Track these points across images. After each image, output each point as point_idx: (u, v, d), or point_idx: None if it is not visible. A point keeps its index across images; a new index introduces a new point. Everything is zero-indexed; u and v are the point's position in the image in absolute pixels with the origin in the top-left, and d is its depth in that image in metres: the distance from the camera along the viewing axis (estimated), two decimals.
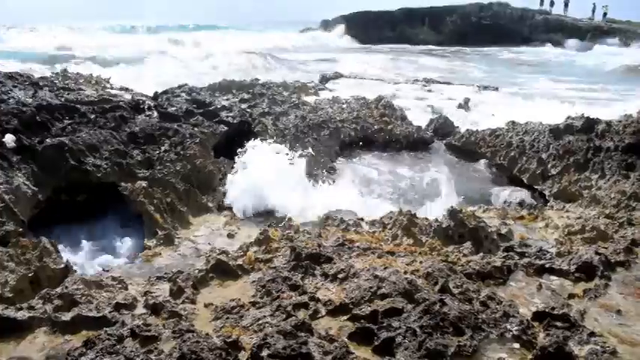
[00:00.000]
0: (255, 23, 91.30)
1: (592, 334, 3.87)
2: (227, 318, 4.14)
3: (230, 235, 6.98)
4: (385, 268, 4.75)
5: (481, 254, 5.70)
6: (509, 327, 3.88)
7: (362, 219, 7.31)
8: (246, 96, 11.62)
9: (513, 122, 11.10)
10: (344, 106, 12.46)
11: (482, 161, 10.81)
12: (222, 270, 5.03)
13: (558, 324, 3.96)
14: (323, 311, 4.22)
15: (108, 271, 5.69)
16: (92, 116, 8.33)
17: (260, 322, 3.98)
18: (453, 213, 6.97)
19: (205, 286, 4.85)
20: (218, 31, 64.00)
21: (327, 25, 60.00)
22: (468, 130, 11.85)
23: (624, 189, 7.62)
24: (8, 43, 42.23)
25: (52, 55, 31.97)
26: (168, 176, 7.77)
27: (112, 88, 10.67)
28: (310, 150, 9.56)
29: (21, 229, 6.01)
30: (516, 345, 3.74)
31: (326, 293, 4.53)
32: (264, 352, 3.44)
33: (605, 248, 5.58)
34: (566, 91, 22.52)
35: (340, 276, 4.74)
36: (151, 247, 6.54)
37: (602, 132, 8.97)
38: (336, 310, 4.21)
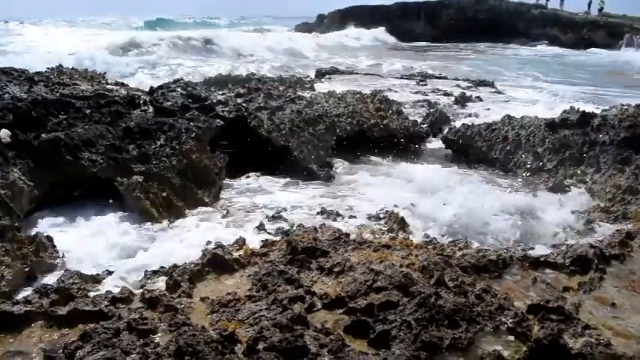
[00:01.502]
0: (250, 18, 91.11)
1: (586, 326, 3.89)
2: (223, 311, 4.14)
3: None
4: (381, 261, 4.77)
5: (476, 247, 5.73)
6: (504, 320, 3.90)
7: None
8: (241, 90, 11.58)
9: (509, 116, 11.12)
10: (340, 100, 12.44)
11: None
12: (219, 264, 5.03)
13: (553, 317, 3.99)
14: (319, 305, 4.23)
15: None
16: (87, 111, 8.30)
17: (256, 315, 3.99)
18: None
19: (201, 279, 4.86)
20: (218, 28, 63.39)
21: (322, 19, 59.90)
22: (463, 124, 11.85)
23: (619, 183, 7.65)
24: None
25: None
26: (164, 171, 7.76)
27: (107, 83, 10.63)
28: None
29: (17, 224, 6.00)
30: (511, 337, 3.76)
31: (322, 287, 4.55)
32: (260, 345, 3.45)
33: (600, 241, 5.61)
34: (563, 88, 22.55)
35: (336, 269, 4.75)
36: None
37: (598, 126, 9.01)
38: (332, 304, 4.22)
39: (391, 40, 51.83)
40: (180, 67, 25.71)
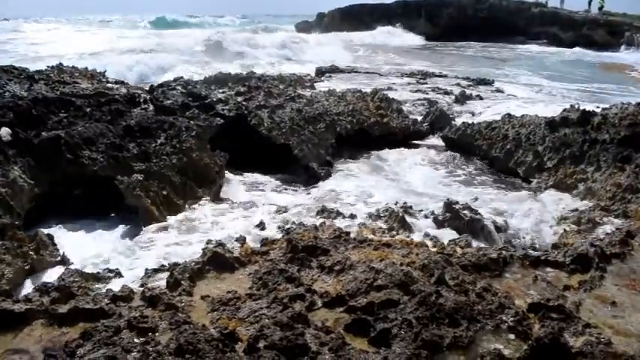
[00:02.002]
0: (253, 17, 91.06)
1: (587, 325, 3.89)
2: (224, 310, 4.14)
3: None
4: (381, 260, 4.77)
5: (477, 246, 5.73)
6: (504, 318, 3.89)
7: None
8: (242, 89, 11.58)
9: (509, 115, 11.13)
10: (340, 99, 12.43)
11: None
12: (219, 262, 5.03)
13: (554, 315, 3.98)
14: (319, 303, 4.23)
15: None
16: (88, 109, 8.31)
17: (256, 313, 3.99)
18: (448, 205, 7.00)
19: (202, 278, 4.85)
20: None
21: (322, 17, 59.81)
22: (464, 122, 11.86)
23: (620, 181, 7.64)
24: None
25: None
26: (165, 169, 7.76)
27: (107, 82, 10.63)
28: None
29: (17, 222, 6.01)
30: (512, 336, 3.76)
31: (322, 285, 4.55)
32: (261, 343, 3.45)
33: (601, 240, 5.60)
34: (563, 86, 22.54)
35: (336, 268, 4.75)
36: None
37: (598, 124, 9.00)
38: (333, 302, 4.22)
39: (416, 39, 50.84)
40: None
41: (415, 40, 50.18)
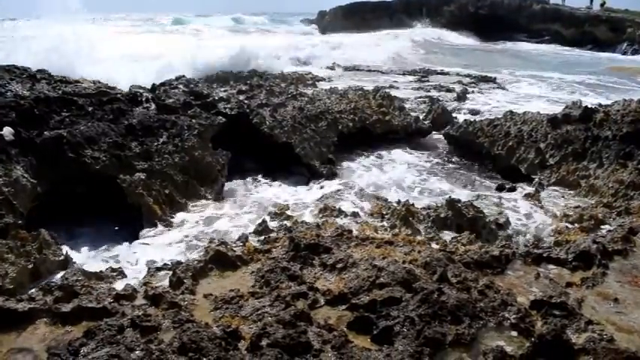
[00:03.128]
0: (259, 16, 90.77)
1: (589, 322, 3.89)
2: (226, 308, 4.15)
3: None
4: (384, 257, 4.78)
5: (479, 244, 5.73)
6: (507, 315, 3.90)
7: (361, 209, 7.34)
8: (243, 87, 11.60)
9: (511, 112, 11.10)
10: (342, 97, 12.42)
11: None
12: (221, 261, 5.04)
13: (556, 312, 3.99)
14: (322, 301, 4.24)
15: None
16: (90, 109, 8.31)
17: (259, 311, 4.00)
18: (451, 203, 7.00)
19: (204, 276, 4.87)
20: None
21: (324, 16, 59.84)
22: (465, 120, 11.84)
23: (622, 178, 7.64)
24: None
25: None
26: (167, 168, 7.77)
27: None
28: None
29: (20, 222, 6.01)
30: (514, 333, 3.76)
31: (325, 283, 4.56)
32: (264, 342, 3.46)
33: (603, 237, 5.60)
34: (564, 82, 22.49)
35: (339, 266, 4.75)
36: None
37: (601, 121, 8.98)
38: (335, 300, 4.23)
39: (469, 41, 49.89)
40: None
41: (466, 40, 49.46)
